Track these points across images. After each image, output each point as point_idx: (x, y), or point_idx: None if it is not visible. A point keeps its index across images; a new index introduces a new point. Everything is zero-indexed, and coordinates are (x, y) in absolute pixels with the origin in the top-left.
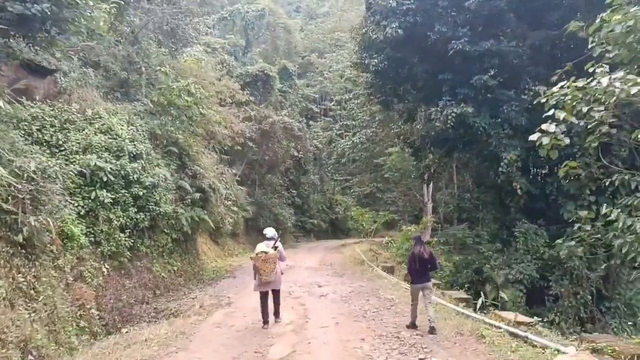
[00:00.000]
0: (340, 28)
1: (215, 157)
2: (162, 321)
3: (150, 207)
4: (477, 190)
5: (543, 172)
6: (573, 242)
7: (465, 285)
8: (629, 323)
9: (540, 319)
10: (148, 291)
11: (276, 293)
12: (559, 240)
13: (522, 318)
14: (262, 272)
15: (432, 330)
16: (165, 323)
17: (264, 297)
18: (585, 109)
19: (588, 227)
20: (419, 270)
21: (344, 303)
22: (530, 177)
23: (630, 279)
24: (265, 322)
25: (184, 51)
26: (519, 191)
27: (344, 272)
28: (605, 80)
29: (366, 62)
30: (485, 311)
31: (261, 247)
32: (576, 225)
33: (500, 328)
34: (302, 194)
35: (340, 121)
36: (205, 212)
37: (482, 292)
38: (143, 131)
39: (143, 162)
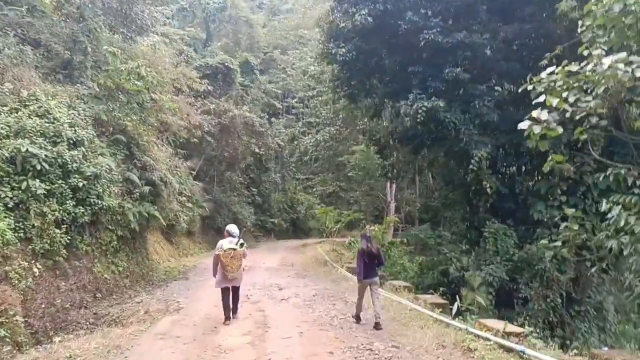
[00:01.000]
0: (303, 25)
1: (170, 150)
2: (103, 328)
3: (92, 200)
4: (446, 188)
5: (512, 170)
6: (559, 243)
7: (440, 289)
8: (598, 326)
9: (532, 330)
10: (87, 294)
11: (237, 290)
12: (544, 241)
13: (512, 328)
14: (228, 269)
15: (377, 326)
16: (99, 334)
17: (226, 292)
18: (572, 98)
19: (575, 227)
20: (368, 266)
21: (307, 308)
22: (499, 176)
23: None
24: (227, 317)
25: (139, 40)
26: (488, 190)
27: (307, 273)
28: (607, 61)
29: (333, 51)
30: (461, 317)
31: (226, 244)
32: (562, 224)
33: (489, 340)
34: (263, 193)
35: (303, 119)
36: (156, 207)
37: (457, 296)
38: (86, 116)
39: (84, 150)
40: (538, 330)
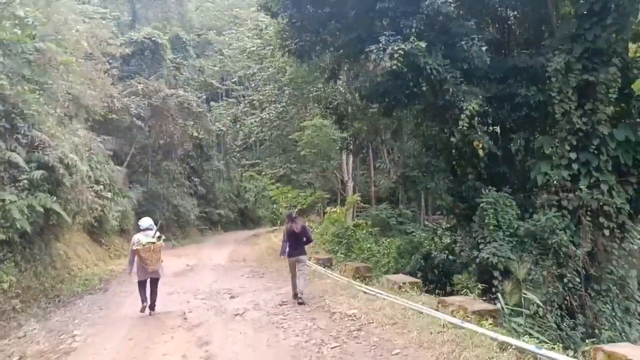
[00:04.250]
0: (238, 5)
1: (85, 132)
2: None
3: None
4: (426, 154)
5: (504, 127)
6: None
7: (419, 274)
8: (623, 307)
9: None
10: None
11: (155, 282)
12: None
13: None
14: (148, 262)
15: (300, 300)
16: None
17: (143, 284)
18: None
19: None
20: (293, 244)
21: (276, 329)
22: (491, 134)
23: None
24: (144, 308)
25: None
26: (480, 152)
27: (264, 270)
28: None
29: None
30: (505, 322)
31: (142, 238)
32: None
33: None
34: (206, 183)
35: (245, 99)
36: (55, 198)
37: (499, 294)
38: None
39: None
40: (556, 318)
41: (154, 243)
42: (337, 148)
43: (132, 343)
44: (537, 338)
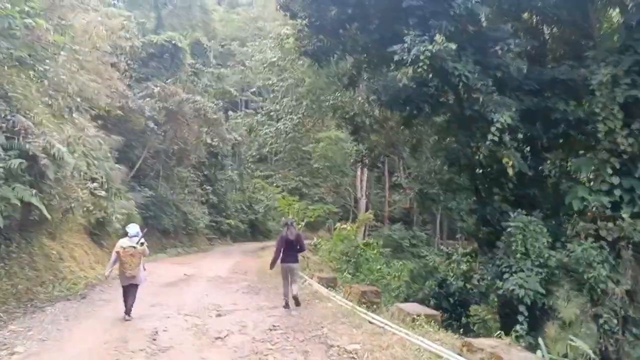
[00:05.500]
0: (263, 17)
1: (91, 127)
2: None
3: None
4: (449, 171)
5: (538, 145)
6: None
7: (432, 301)
8: None
9: None
10: None
11: (135, 287)
12: None
13: None
14: (127, 266)
15: (296, 302)
16: None
17: (126, 289)
18: None
19: None
20: (287, 251)
21: None
22: (521, 152)
23: None
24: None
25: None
26: (510, 171)
27: (262, 285)
28: None
29: None
30: None
31: (126, 242)
32: None
33: None
34: (218, 192)
35: (263, 110)
36: (36, 192)
37: (540, 340)
38: None
39: None
40: None
41: (134, 247)
42: (352, 161)
43: None
44: None
